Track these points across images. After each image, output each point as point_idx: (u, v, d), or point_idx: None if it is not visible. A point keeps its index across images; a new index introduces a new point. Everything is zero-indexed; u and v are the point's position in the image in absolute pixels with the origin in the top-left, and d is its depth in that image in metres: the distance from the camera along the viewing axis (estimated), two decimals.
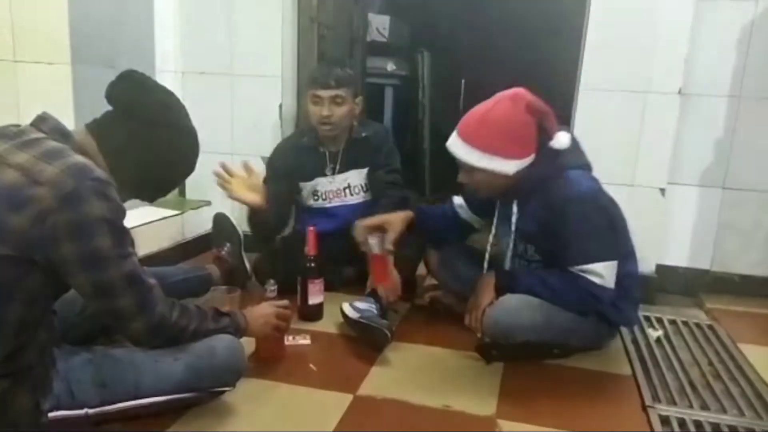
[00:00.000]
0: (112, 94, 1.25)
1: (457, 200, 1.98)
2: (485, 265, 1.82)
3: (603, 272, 1.58)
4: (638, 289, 1.78)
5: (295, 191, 2.31)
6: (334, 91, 2.11)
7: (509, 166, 1.60)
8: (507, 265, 1.79)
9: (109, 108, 1.26)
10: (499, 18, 4.32)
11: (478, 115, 1.62)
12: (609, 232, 1.61)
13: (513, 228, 1.73)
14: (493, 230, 1.83)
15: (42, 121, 1.18)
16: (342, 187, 2.27)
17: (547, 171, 1.62)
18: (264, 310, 1.54)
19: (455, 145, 1.65)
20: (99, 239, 1.11)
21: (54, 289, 1.17)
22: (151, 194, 1.36)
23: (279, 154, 2.31)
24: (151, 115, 1.25)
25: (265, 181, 2.21)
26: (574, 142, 1.68)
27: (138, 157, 1.25)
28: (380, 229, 1.83)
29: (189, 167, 1.36)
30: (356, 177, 2.28)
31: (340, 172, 2.26)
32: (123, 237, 1.16)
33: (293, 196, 2.32)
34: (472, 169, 1.64)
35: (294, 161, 2.25)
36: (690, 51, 2.18)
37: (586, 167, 1.68)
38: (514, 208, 1.71)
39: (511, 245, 1.75)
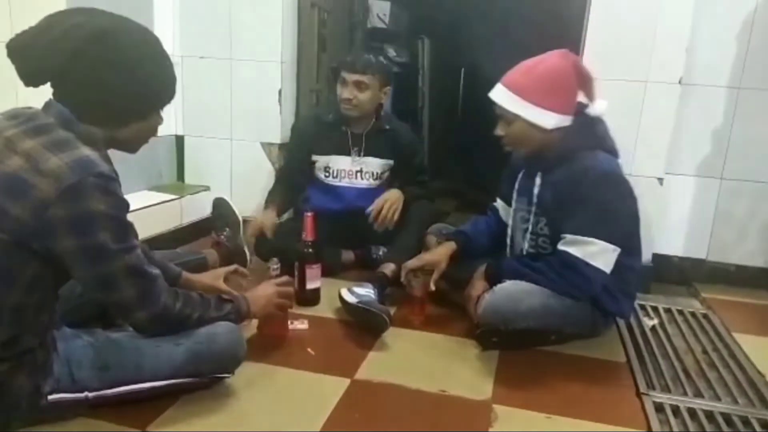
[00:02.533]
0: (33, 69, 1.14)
1: (498, 203, 1.97)
2: (507, 241, 1.83)
3: (598, 249, 1.56)
4: (637, 285, 1.80)
5: (309, 162, 2.34)
6: (358, 76, 2.16)
7: (548, 119, 1.60)
8: (519, 239, 1.78)
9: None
10: (500, 6, 4.30)
11: (525, 66, 1.64)
12: (621, 216, 1.60)
13: (535, 200, 1.71)
14: (513, 204, 1.82)
15: (49, 107, 1.16)
16: (356, 170, 2.31)
17: (580, 141, 1.63)
18: (265, 291, 1.54)
19: (498, 91, 1.65)
20: (100, 234, 1.11)
21: (54, 277, 1.17)
22: (133, 115, 1.24)
23: (303, 121, 2.42)
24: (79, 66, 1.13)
25: (286, 147, 2.36)
26: (607, 129, 1.69)
27: (102, 100, 1.17)
28: (425, 270, 1.83)
29: (155, 82, 1.23)
30: (372, 165, 2.31)
31: (362, 155, 2.30)
32: (125, 231, 1.16)
33: (308, 167, 2.37)
34: (511, 119, 1.64)
35: (314, 131, 2.30)
36: (691, 41, 2.17)
37: (616, 155, 1.69)
38: (537, 180, 1.71)
39: (531, 218, 1.73)
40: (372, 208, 2.15)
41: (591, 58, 2.24)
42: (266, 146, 2.69)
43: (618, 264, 1.61)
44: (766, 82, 2.25)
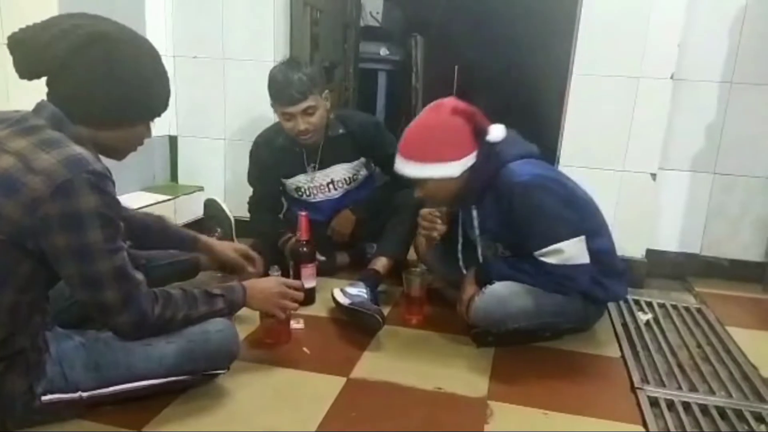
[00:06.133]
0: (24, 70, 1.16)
1: None
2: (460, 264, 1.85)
3: (568, 250, 1.58)
4: (619, 262, 1.79)
5: (278, 186, 2.30)
6: (303, 104, 1.97)
7: (451, 169, 1.63)
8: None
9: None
10: (493, 3, 4.30)
11: (410, 131, 1.68)
12: (563, 210, 1.61)
13: (477, 233, 1.76)
14: (460, 239, 1.85)
15: (41, 109, 1.16)
16: (325, 183, 2.23)
17: (487, 167, 1.65)
18: (268, 285, 1.52)
19: (399, 163, 1.68)
20: (91, 232, 1.10)
21: (46, 276, 1.17)
22: (131, 117, 1.26)
23: (258, 149, 2.25)
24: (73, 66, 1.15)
25: (250, 178, 2.26)
26: (513, 134, 1.70)
27: (96, 104, 1.18)
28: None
29: (149, 86, 1.25)
30: (339, 172, 2.23)
31: (321, 168, 2.21)
32: (115, 231, 1.16)
33: (279, 191, 2.33)
34: (421, 182, 1.68)
35: (272, 159, 2.20)
36: (683, 36, 2.18)
37: (531, 155, 1.70)
38: (474, 213, 1.75)
39: (479, 249, 1.79)
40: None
41: (583, 54, 2.25)
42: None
43: (588, 251, 1.62)
44: (758, 77, 2.25)
